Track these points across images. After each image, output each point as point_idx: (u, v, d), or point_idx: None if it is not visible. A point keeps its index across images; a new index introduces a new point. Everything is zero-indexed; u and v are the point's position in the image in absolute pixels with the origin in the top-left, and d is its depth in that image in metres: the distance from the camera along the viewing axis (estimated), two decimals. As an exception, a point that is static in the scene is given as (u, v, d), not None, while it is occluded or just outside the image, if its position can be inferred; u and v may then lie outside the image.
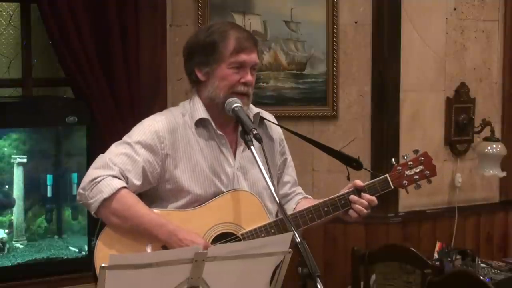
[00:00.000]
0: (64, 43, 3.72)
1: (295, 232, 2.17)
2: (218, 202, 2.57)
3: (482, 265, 4.10)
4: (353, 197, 2.61)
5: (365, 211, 2.61)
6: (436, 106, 4.42)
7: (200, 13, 4.13)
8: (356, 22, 4.23)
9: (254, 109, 2.67)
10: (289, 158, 2.82)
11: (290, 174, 2.82)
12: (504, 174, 4.40)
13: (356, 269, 3.75)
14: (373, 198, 2.62)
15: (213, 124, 2.60)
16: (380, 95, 4.25)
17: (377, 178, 2.65)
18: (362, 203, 2.60)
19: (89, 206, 2.51)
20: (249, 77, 2.57)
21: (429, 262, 3.56)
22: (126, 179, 2.51)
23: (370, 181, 2.64)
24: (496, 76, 4.59)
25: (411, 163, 2.70)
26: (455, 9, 4.42)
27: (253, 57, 2.58)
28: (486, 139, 4.39)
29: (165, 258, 2.00)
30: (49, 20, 3.70)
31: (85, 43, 3.75)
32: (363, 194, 2.61)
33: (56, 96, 4.29)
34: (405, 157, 2.71)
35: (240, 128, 2.62)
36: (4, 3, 4.16)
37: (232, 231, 2.55)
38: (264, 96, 4.19)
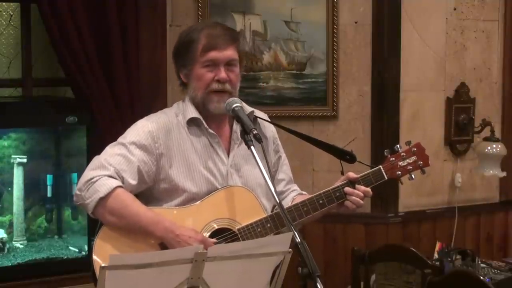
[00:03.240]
0: (64, 43, 3.72)
1: (295, 232, 2.17)
2: (214, 199, 2.58)
3: (482, 265, 4.10)
4: (348, 189, 2.62)
5: (361, 202, 2.62)
6: (436, 106, 4.42)
7: (200, 13, 4.13)
8: (356, 22, 4.23)
9: (248, 108, 2.68)
10: (283, 156, 2.83)
11: (284, 172, 2.83)
12: (504, 174, 4.39)
13: (356, 269, 3.75)
14: (368, 189, 2.64)
15: (204, 123, 2.61)
16: (380, 95, 4.25)
17: (371, 170, 2.67)
18: (358, 194, 2.61)
19: (85, 206, 2.52)
20: (222, 74, 2.57)
21: (429, 262, 3.56)
22: (122, 179, 2.52)
23: (363, 173, 2.66)
24: (496, 76, 4.59)
25: (404, 154, 2.71)
26: (455, 9, 4.42)
27: (226, 53, 2.58)
28: (486, 139, 4.39)
29: (165, 258, 2.00)
30: (49, 20, 3.70)
31: (85, 43, 3.75)
32: (358, 186, 2.62)
33: (56, 96, 4.29)
34: (398, 148, 2.72)
35: (235, 126, 2.64)
36: (4, 3, 4.16)
37: (228, 227, 2.56)
38: (264, 96, 4.20)
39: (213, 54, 2.56)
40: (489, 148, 4.34)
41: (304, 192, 2.82)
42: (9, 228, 3.85)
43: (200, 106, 2.60)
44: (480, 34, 4.51)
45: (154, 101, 3.95)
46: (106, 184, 2.48)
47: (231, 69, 2.59)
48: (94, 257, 2.48)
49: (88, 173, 2.53)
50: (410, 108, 4.33)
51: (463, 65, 4.47)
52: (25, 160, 3.84)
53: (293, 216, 2.58)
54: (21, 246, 3.88)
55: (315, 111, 4.24)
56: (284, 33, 4.20)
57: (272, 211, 2.67)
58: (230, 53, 2.59)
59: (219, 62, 2.57)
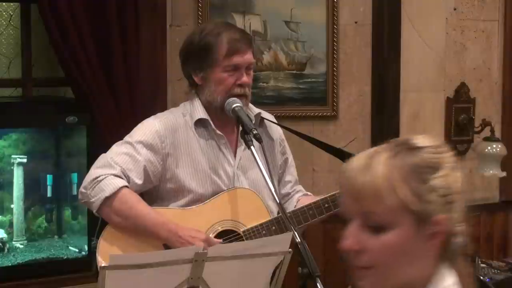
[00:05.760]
0: (64, 43, 3.72)
1: (295, 232, 2.17)
2: (219, 200, 2.58)
3: (482, 265, 4.09)
4: None
5: None
6: (436, 106, 4.41)
7: (200, 13, 4.13)
8: (356, 22, 4.23)
9: (255, 110, 2.68)
10: (290, 158, 2.83)
11: (291, 174, 2.83)
12: (504, 174, 4.39)
13: (356, 269, 3.74)
14: None
15: (212, 125, 2.61)
16: (380, 95, 4.25)
17: None
18: None
19: (90, 205, 2.52)
20: (244, 79, 2.57)
21: (429, 262, 3.55)
22: (128, 178, 2.52)
23: None
24: (496, 76, 4.59)
25: None
26: (455, 9, 4.42)
27: (247, 58, 2.58)
28: (486, 139, 4.38)
29: (165, 258, 2.01)
30: (49, 20, 3.70)
31: (85, 43, 3.75)
32: None
33: (56, 96, 4.29)
34: None
35: (240, 128, 2.64)
36: (4, 3, 4.16)
37: (233, 229, 2.56)
38: (264, 96, 4.19)
39: (236, 59, 2.56)
40: (489, 148, 4.34)
41: (309, 193, 2.82)
42: (9, 228, 3.85)
43: (218, 109, 2.59)
44: (480, 34, 4.51)
45: (154, 101, 3.95)
46: (112, 184, 2.48)
47: (248, 73, 2.60)
48: (98, 257, 2.48)
49: (94, 171, 2.53)
50: (410, 108, 4.33)
51: (463, 65, 4.47)
52: (25, 160, 3.83)
53: (299, 220, 2.57)
54: (21, 246, 3.87)
55: (315, 111, 4.23)
56: (284, 33, 4.20)
57: (278, 212, 2.67)
58: (250, 57, 2.59)
59: (241, 66, 2.57)
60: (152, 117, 2.66)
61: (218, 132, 2.61)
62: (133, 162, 2.53)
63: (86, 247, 3.92)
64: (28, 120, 3.87)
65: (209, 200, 2.58)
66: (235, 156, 2.65)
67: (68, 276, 3.85)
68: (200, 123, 2.62)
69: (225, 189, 2.60)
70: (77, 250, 3.96)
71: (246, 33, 2.68)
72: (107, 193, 2.47)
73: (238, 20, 4.13)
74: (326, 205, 2.61)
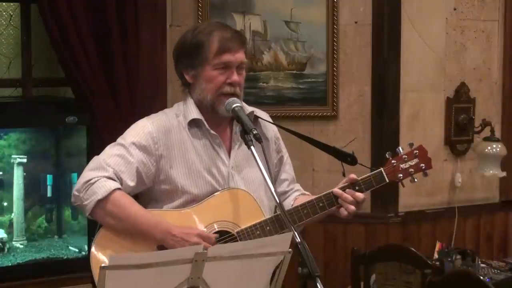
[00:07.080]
0: (64, 43, 3.72)
1: (295, 232, 2.16)
2: (213, 201, 2.57)
3: (482, 265, 4.10)
4: (337, 190, 2.59)
5: (351, 207, 2.58)
6: (436, 106, 4.42)
7: (200, 13, 4.14)
8: (356, 22, 4.24)
9: (248, 108, 2.67)
10: (286, 156, 2.82)
11: (287, 172, 2.81)
12: (504, 174, 4.39)
13: (356, 269, 3.75)
14: (358, 194, 2.59)
15: (206, 124, 2.60)
16: (380, 95, 4.25)
17: (372, 172, 2.63)
18: (346, 197, 2.57)
19: (83, 208, 2.51)
20: (235, 77, 2.56)
21: (429, 262, 3.55)
22: (121, 180, 2.51)
23: (364, 176, 2.63)
24: (496, 76, 4.59)
25: (406, 156, 2.68)
26: (455, 9, 4.42)
27: (238, 56, 2.57)
28: (486, 139, 4.38)
29: (165, 258, 2.00)
30: (49, 20, 3.70)
31: (85, 43, 3.75)
32: (348, 190, 2.59)
33: (56, 96, 4.29)
34: (400, 151, 2.69)
35: (235, 127, 2.64)
36: (4, 3, 4.16)
37: (227, 229, 2.56)
38: (264, 96, 4.20)
39: (226, 57, 2.54)
40: (489, 148, 4.34)
41: (306, 192, 2.80)
42: (9, 228, 3.85)
43: (208, 108, 2.58)
44: (480, 34, 4.51)
45: (154, 101, 3.95)
46: (104, 186, 2.48)
47: (240, 72, 2.58)
48: (92, 260, 2.48)
49: (86, 174, 2.52)
50: (410, 108, 4.33)
51: (463, 65, 4.47)
52: (25, 160, 3.84)
53: (293, 219, 2.56)
54: (21, 246, 3.88)
55: (315, 111, 4.24)
56: (284, 33, 4.20)
57: (275, 210, 2.66)
58: (241, 56, 2.58)
59: (232, 65, 2.55)
60: (145, 118, 2.65)
61: (212, 132, 2.61)
62: (126, 164, 2.52)
63: (86, 247, 3.93)
64: (28, 120, 3.87)
65: (203, 200, 2.57)
66: (229, 155, 2.64)
67: (68, 276, 3.86)
68: (193, 123, 2.61)
69: (220, 189, 2.59)
70: (77, 250, 3.97)
71: (239, 33, 2.67)
72: (100, 195, 2.46)
73: (238, 20, 4.14)
74: (321, 204, 2.59)
